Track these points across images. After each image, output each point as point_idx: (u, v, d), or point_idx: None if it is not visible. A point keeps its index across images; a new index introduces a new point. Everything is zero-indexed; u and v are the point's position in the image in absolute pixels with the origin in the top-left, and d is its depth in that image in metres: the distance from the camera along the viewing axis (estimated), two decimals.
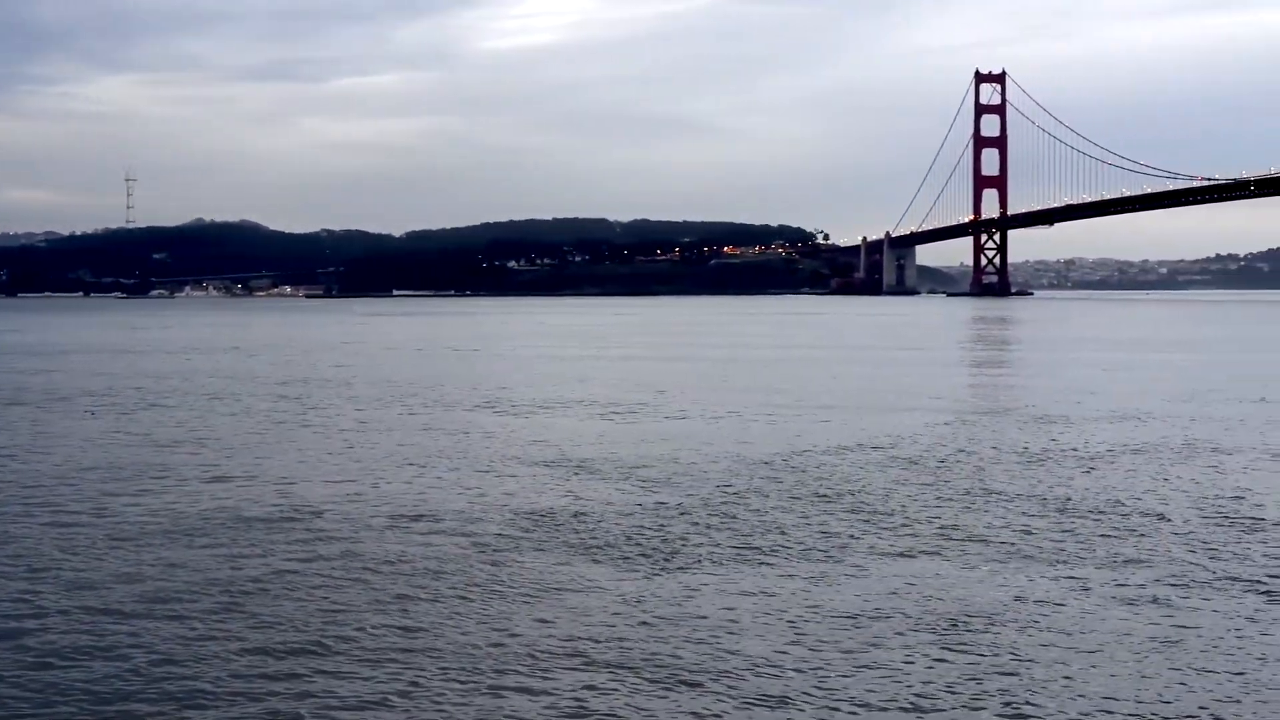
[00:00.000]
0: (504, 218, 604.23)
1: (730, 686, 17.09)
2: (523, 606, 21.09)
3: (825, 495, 31.37)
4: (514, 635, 19.43)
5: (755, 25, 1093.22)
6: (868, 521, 27.98)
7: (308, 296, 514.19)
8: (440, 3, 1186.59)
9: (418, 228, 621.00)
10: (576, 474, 35.14)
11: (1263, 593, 21.64)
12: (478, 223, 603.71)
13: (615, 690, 17.00)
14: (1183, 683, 17.11)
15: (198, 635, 19.56)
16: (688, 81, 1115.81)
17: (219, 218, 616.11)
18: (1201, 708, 16.24)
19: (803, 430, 44.90)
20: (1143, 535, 26.31)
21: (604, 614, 20.58)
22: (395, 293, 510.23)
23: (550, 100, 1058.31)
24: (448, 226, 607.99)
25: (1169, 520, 27.89)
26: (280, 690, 17.14)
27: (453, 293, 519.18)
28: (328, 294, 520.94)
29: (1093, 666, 17.79)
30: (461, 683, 17.34)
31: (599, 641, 19.07)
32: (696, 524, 27.78)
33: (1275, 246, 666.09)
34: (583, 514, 28.99)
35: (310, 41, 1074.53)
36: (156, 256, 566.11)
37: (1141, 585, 22.14)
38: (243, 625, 20.09)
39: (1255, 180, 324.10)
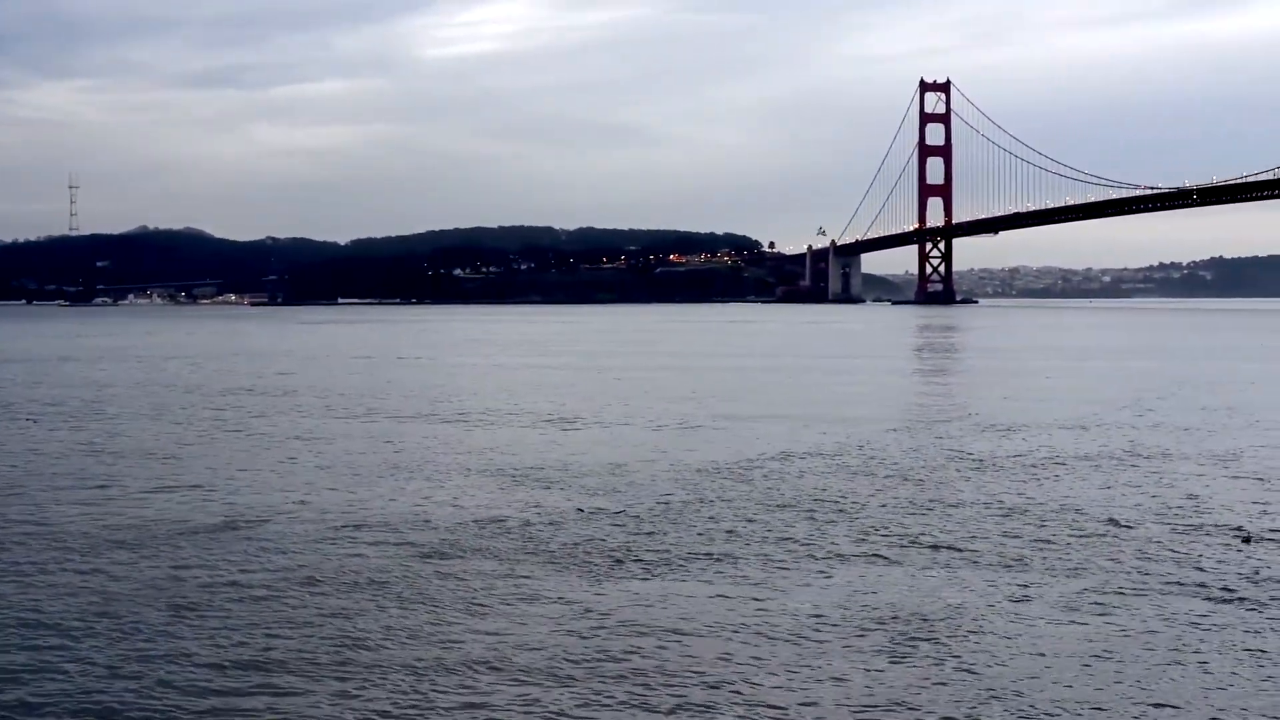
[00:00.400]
0: (450, 225, 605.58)
1: (677, 694, 16.97)
2: (468, 616, 20.90)
3: (772, 503, 31.31)
4: (459, 646, 19.24)
5: (701, 34, 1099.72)
6: (816, 529, 27.93)
7: (252, 304, 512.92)
8: (385, 10, 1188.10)
9: (363, 235, 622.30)
10: (523, 483, 34.95)
11: (1208, 598, 21.70)
12: (423, 230, 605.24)
13: (560, 700, 16.86)
14: (1128, 688, 17.11)
15: (137, 649, 19.27)
16: (634, 89, 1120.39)
17: (163, 225, 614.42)
18: (1146, 712, 16.24)
19: (749, 439, 44.84)
20: (1089, 542, 26.37)
21: (550, 623, 20.42)
22: (340, 301, 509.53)
23: (495, 108, 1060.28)
24: (393, 234, 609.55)
25: (1116, 525, 28.00)
26: (223, 705, 16.91)
27: (398, 301, 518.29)
28: (272, 302, 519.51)
29: (1040, 673, 17.77)
30: (407, 694, 17.16)
31: (544, 651, 18.91)
32: (642, 532, 27.65)
33: (1217, 255, 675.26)
34: (529, 523, 28.82)
35: (254, 48, 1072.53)
36: (100, 264, 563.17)
37: (1089, 591, 22.18)
38: (185, 638, 19.80)
39: (1198, 189, 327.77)
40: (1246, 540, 26.28)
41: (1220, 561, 24.43)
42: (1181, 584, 22.69)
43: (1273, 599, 21.64)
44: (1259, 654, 18.59)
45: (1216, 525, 28.08)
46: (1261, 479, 34.99)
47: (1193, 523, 28.44)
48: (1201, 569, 23.85)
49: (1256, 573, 23.51)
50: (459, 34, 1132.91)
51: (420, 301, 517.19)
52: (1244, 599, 21.62)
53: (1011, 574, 23.58)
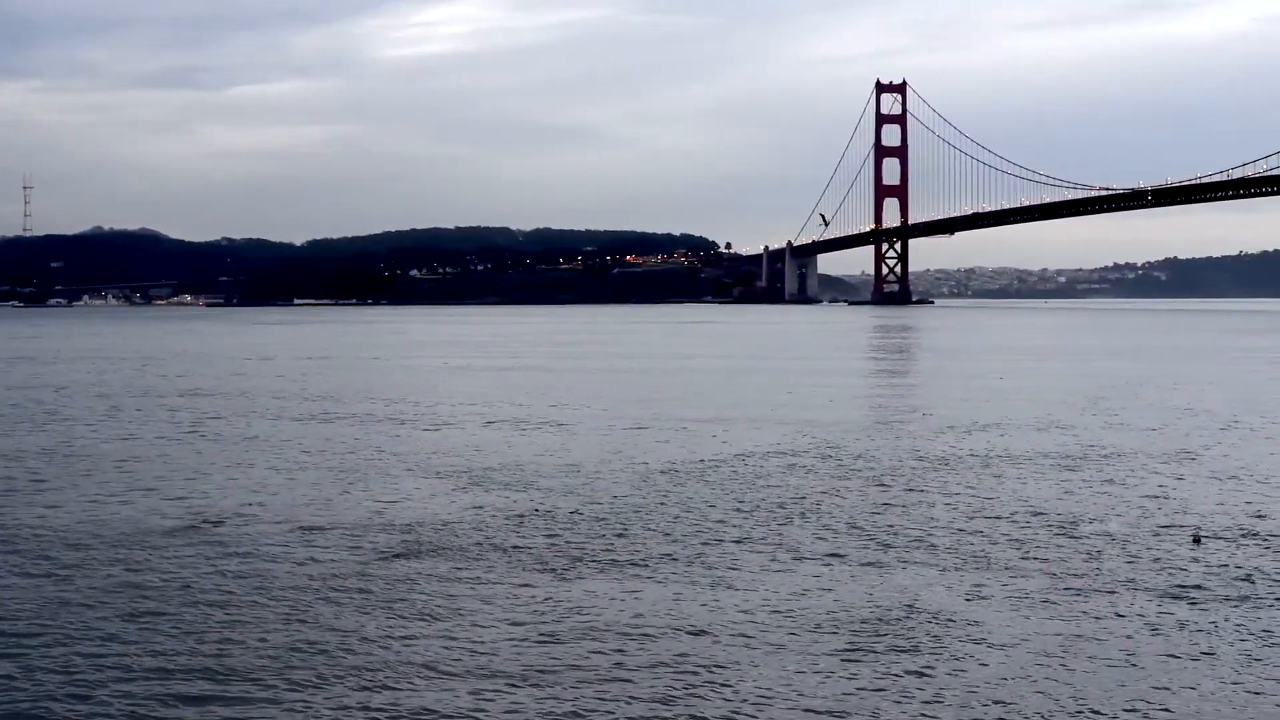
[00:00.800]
0: (406, 226, 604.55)
1: (633, 694, 16.95)
2: (423, 618, 20.81)
3: (730, 504, 31.30)
4: (414, 648, 19.16)
5: (656, 35, 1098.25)
6: (774, 529, 27.94)
7: (208, 305, 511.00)
8: (339, 11, 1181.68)
9: (319, 236, 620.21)
10: (479, 484, 34.86)
11: (1162, 596, 21.84)
12: (379, 231, 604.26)
13: (516, 701, 16.80)
14: (1082, 686, 17.18)
15: (88, 654, 19.09)
16: (590, 90, 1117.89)
17: (118, 226, 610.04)
18: (1100, 710, 16.30)
19: (707, 439, 44.86)
20: (1045, 541, 26.49)
21: (507, 624, 20.35)
22: (296, 301, 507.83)
23: (451, 109, 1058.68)
24: (349, 235, 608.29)
25: (1072, 525, 28.14)
26: (176, 714, 16.78)
27: (354, 301, 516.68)
28: (228, 303, 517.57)
29: (994, 671, 17.83)
30: (362, 698, 17.07)
31: (500, 652, 18.85)
32: (599, 533, 27.61)
33: (1172, 256, 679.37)
34: (486, 524, 28.74)
35: (209, 49, 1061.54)
36: (54, 265, 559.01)
37: (1043, 590, 22.28)
38: (137, 643, 19.63)
39: (1152, 190, 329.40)
40: (1198, 540, 26.45)
41: (1174, 560, 24.57)
42: (1135, 583, 22.82)
43: (1223, 598, 21.81)
44: (1210, 653, 18.73)
45: (1172, 525, 28.24)
46: (1217, 478, 35.22)
47: (1148, 522, 28.59)
48: (1156, 569, 23.98)
49: (1209, 572, 23.66)
50: (414, 35, 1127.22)
51: (377, 302, 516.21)
52: (1195, 599, 21.77)
53: (966, 573, 23.64)
